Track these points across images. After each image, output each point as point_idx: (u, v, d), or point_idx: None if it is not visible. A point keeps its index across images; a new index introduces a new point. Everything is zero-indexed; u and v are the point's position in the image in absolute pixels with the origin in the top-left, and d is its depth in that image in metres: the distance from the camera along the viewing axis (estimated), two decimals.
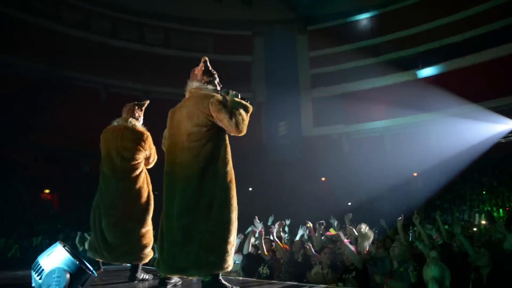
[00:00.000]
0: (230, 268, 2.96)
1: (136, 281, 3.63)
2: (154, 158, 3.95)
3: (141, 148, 3.78)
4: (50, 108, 19.36)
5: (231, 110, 3.07)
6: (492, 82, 20.79)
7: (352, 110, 24.66)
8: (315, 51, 27.60)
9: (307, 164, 23.86)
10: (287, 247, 5.65)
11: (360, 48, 25.37)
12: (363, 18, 26.85)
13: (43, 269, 2.63)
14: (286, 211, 20.28)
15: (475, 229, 9.41)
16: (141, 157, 3.79)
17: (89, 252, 3.85)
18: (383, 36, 25.37)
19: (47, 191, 19.27)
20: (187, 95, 3.27)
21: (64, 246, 2.78)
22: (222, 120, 3.02)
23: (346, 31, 25.55)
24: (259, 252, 5.71)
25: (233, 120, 3.03)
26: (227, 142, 3.16)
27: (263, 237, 5.66)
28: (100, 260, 3.87)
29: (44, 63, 21.14)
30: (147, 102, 4.13)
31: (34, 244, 10.40)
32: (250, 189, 24.63)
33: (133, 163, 3.74)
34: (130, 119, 3.89)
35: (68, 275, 2.58)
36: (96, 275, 3.02)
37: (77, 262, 2.71)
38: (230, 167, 3.10)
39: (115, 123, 3.94)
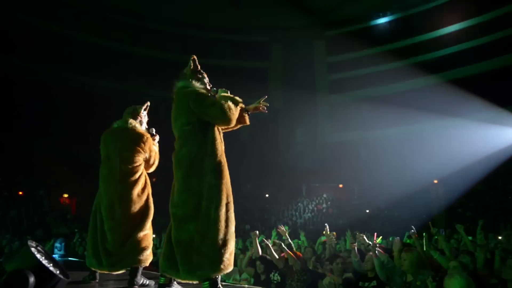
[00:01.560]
0: (226, 271, 2.80)
1: (135, 286, 3.49)
2: (154, 162, 3.86)
3: (140, 150, 3.69)
4: (72, 116, 19.84)
5: (217, 101, 3.08)
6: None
7: (370, 116, 24.32)
8: (333, 57, 27.44)
9: (324, 170, 23.62)
10: (300, 255, 5.49)
11: (378, 53, 25.09)
12: (382, 22, 26.59)
13: (5, 271, 2.52)
14: (303, 218, 20.22)
15: (500, 237, 9.02)
16: (140, 159, 3.71)
17: (87, 261, 3.70)
18: (402, 41, 25.04)
19: (65, 195, 19.60)
20: (174, 96, 3.25)
21: (36, 247, 2.67)
22: (206, 112, 3.02)
23: (364, 36, 25.27)
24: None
25: (218, 108, 3.01)
26: (216, 137, 3.07)
27: (272, 245, 5.52)
28: (97, 271, 3.70)
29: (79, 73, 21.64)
30: (147, 103, 4.05)
31: (47, 248, 10.46)
32: (267, 195, 24.53)
33: (132, 165, 3.66)
34: (130, 120, 3.81)
35: (32, 278, 2.44)
36: (68, 279, 2.86)
37: (46, 265, 2.56)
38: (218, 162, 2.98)
39: (115, 125, 3.86)
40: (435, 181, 21.05)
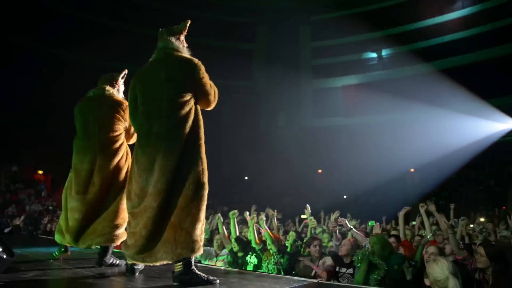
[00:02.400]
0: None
1: (103, 266, 3.29)
2: (135, 132, 3.33)
3: (120, 118, 3.42)
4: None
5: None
6: (498, 79, 20.55)
7: (352, 103, 24.50)
8: (318, 42, 27.33)
9: (305, 155, 23.76)
10: (279, 236, 5.49)
11: (362, 40, 25.11)
12: (367, 10, 26.53)
13: None
14: (282, 202, 20.37)
15: (471, 225, 9.31)
16: (120, 128, 3.43)
17: (56, 236, 3.50)
18: (387, 29, 25.09)
19: (40, 172, 19.16)
20: (159, 54, 2.86)
21: None
22: (208, 90, 2.79)
23: (350, 22, 25.20)
24: (248, 239, 5.54)
25: (213, 91, 2.84)
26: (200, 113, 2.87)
27: (254, 226, 5.48)
28: (68, 244, 3.48)
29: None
30: (125, 71, 3.75)
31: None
32: (246, 178, 24.58)
33: (112, 134, 3.38)
34: (107, 87, 3.54)
35: None
36: (15, 257, 2.73)
37: None
38: (203, 139, 2.78)
39: (90, 93, 3.58)
40: (412, 170, 21.50)
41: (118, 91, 3.64)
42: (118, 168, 3.39)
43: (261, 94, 26.91)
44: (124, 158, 3.44)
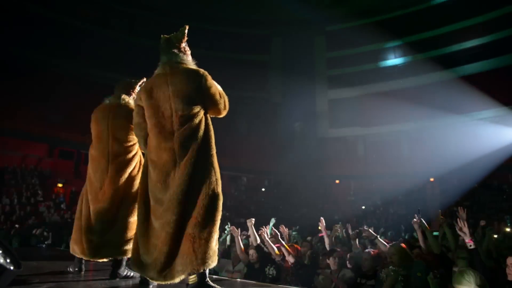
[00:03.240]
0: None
1: (118, 279, 3.23)
2: (139, 142, 3.22)
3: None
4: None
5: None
6: None
7: (369, 113, 24.26)
8: (333, 52, 27.30)
9: (322, 166, 23.58)
10: (299, 248, 5.39)
11: (377, 50, 24.97)
12: (382, 19, 26.42)
13: None
14: (299, 212, 20.18)
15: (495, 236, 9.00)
16: (134, 138, 3.34)
17: (71, 247, 3.37)
18: (403, 38, 24.90)
19: (60, 185, 19.46)
20: (164, 69, 2.81)
21: None
22: (218, 99, 2.77)
23: (365, 32, 25.12)
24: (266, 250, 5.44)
25: (223, 100, 2.81)
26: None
27: (269, 238, 5.40)
28: (83, 258, 3.37)
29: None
30: (143, 79, 3.61)
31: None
32: (263, 189, 24.49)
33: (126, 144, 3.36)
34: (123, 96, 3.52)
35: None
36: (20, 269, 2.71)
37: None
38: (214, 150, 2.75)
39: (106, 101, 3.54)
40: (432, 179, 21.05)
41: (134, 100, 3.56)
42: (130, 179, 3.34)
43: (277, 105, 26.92)
44: (136, 169, 3.39)
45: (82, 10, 24.21)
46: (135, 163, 3.40)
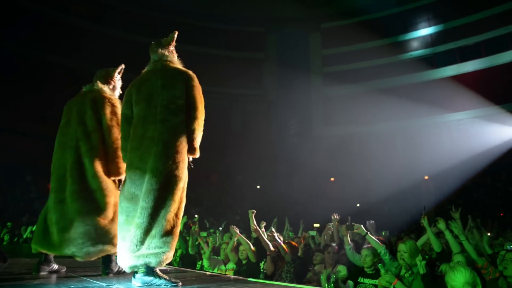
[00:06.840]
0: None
1: (111, 274, 3.20)
2: (122, 135, 3.21)
3: (95, 113, 3.30)
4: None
5: None
6: None
7: (364, 110, 24.29)
8: (328, 49, 27.29)
9: (317, 163, 23.59)
10: (296, 244, 5.39)
11: (372, 47, 24.99)
12: (377, 17, 26.44)
13: None
14: (293, 210, 20.18)
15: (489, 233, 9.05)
16: (96, 124, 3.29)
17: (33, 244, 3.20)
18: (398, 36, 24.96)
19: None
20: (155, 66, 3.03)
21: None
22: (196, 103, 2.91)
23: (360, 29, 25.14)
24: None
25: (201, 105, 2.96)
26: None
27: (265, 235, 5.41)
28: (51, 254, 3.21)
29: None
30: (122, 66, 3.66)
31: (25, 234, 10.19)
32: (258, 186, 24.47)
33: (89, 129, 3.26)
34: (98, 83, 3.47)
35: None
36: (7, 263, 2.69)
37: None
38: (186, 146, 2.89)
39: (84, 89, 3.53)
40: (426, 177, 21.15)
41: (114, 88, 3.59)
42: (95, 166, 3.18)
43: (272, 102, 26.88)
44: (101, 155, 3.24)
45: (77, 5, 23.99)
46: (99, 148, 3.26)
